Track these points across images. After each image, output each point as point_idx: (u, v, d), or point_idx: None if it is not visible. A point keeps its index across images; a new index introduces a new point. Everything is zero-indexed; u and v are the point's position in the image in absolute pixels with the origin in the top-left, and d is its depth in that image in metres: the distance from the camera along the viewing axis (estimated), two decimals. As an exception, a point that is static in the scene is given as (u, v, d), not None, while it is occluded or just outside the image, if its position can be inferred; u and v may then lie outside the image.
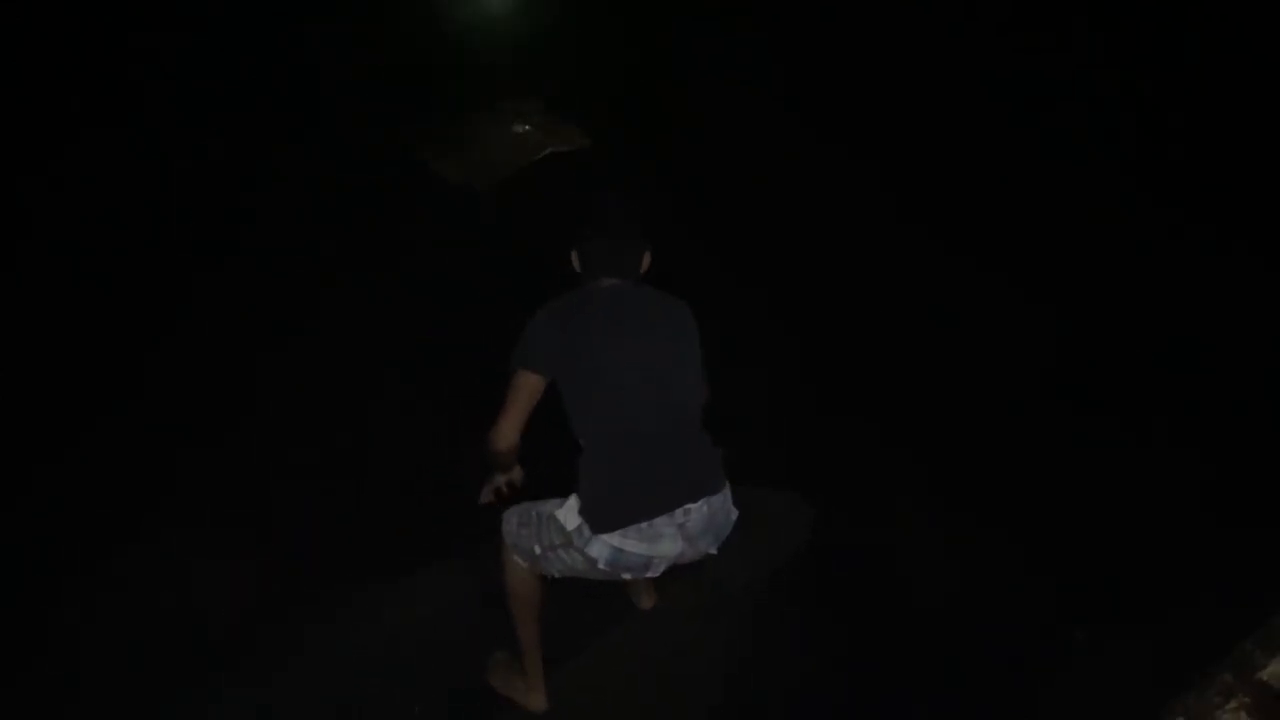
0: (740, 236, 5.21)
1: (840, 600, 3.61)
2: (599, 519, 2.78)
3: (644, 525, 2.78)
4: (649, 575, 2.92)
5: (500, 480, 3.04)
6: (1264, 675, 1.93)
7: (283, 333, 4.66)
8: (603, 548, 2.79)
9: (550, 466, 2.93)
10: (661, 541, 2.81)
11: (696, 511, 2.83)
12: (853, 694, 3.31)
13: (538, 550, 2.94)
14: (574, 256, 3.04)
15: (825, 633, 3.49)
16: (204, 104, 5.54)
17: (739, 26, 6.33)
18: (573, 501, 2.84)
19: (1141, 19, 6.01)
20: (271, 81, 5.67)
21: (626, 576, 2.92)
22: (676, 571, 2.99)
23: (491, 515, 3.08)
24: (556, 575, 2.99)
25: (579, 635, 3.38)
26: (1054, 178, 5.57)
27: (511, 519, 3.00)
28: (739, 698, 3.36)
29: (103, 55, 5.56)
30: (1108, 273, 5.05)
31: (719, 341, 4.07)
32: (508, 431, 2.83)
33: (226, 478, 4.06)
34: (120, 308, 4.72)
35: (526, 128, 5.69)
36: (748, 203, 5.45)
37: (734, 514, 2.95)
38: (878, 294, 5.00)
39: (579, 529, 2.81)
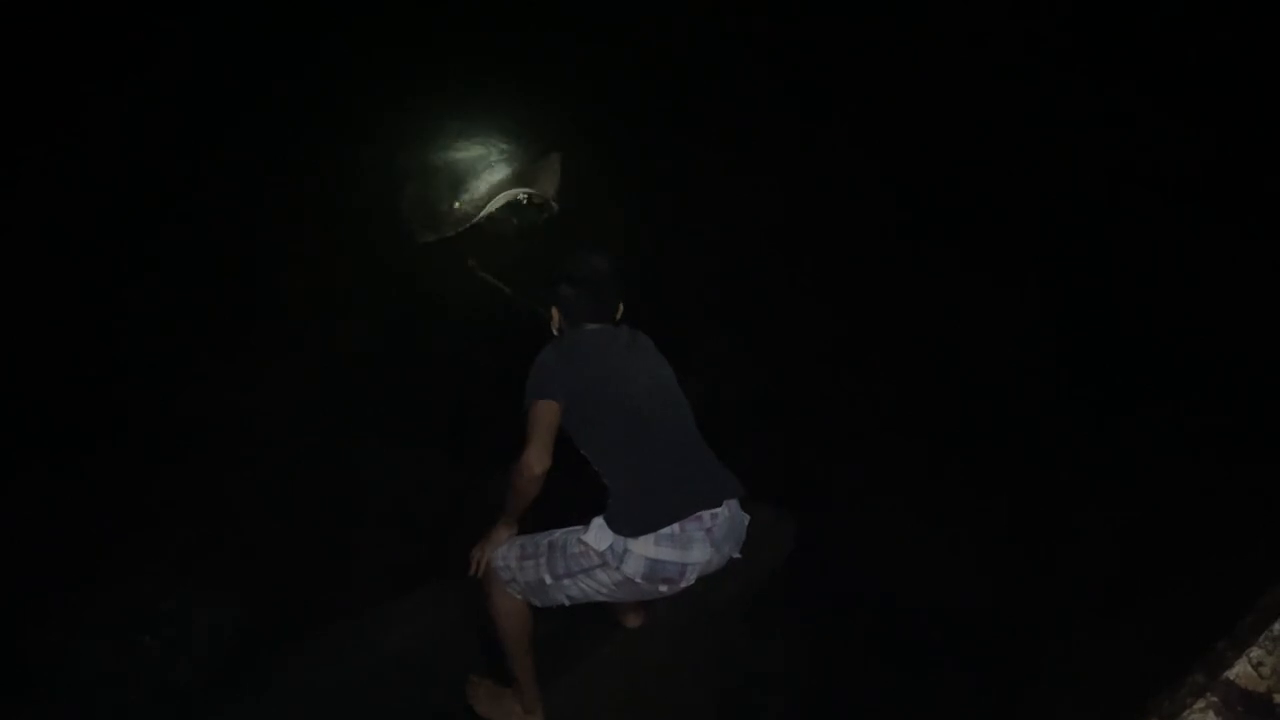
0: (724, 244, 5.22)
1: (827, 612, 3.61)
2: (634, 525, 2.89)
3: (676, 531, 2.87)
4: (682, 586, 2.98)
5: (504, 533, 3.12)
6: (1231, 674, 1.89)
7: (274, 356, 4.70)
8: (638, 562, 2.88)
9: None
10: (693, 547, 2.90)
11: (721, 516, 2.96)
12: (843, 704, 3.29)
13: (548, 580, 2.98)
14: (555, 311, 3.20)
15: (813, 644, 3.49)
16: (203, 113, 5.57)
17: (741, 26, 6.32)
18: (599, 522, 2.94)
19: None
20: (272, 94, 5.70)
21: (664, 589, 2.97)
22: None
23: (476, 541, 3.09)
24: (566, 604, 3.03)
25: (568, 656, 3.41)
26: (1059, 181, 5.52)
27: (509, 554, 3.04)
28: (730, 712, 3.34)
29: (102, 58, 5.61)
30: (1109, 278, 5.00)
31: (704, 352, 4.07)
32: (541, 458, 2.93)
33: (212, 503, 4.10)
34: (113, 324, 4.75)
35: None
36: (735, 205, 5.44)
37: (747, 519, 3.10)
38: (867, 303, 4.99)
39: (611, 547, 2.89)
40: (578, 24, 5.93)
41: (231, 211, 5.29)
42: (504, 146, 5.71)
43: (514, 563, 3.05)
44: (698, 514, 2.93)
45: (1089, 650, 3.26)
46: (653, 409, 3.07)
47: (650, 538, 2.88)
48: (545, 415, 2.97)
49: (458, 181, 5.47)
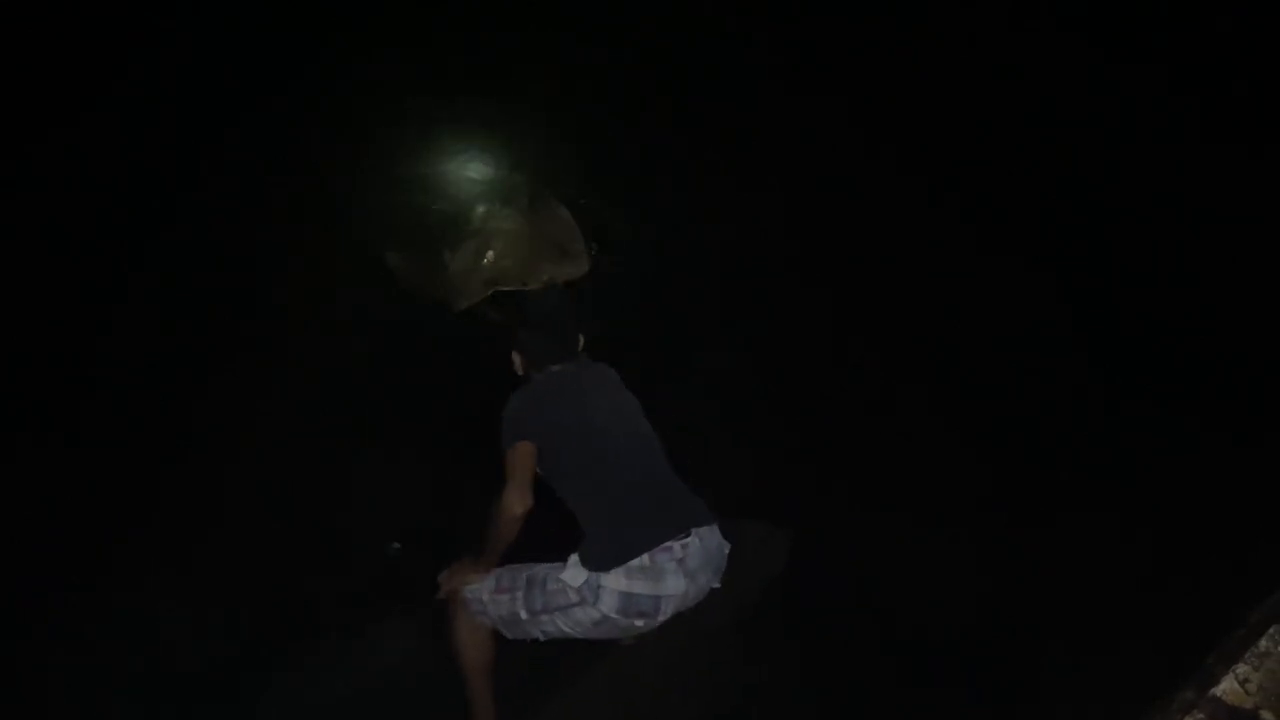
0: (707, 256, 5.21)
1: (819, 630, 3.59)
2: (605, 559, 2.92)
3: (647, 563, 2.91)
4: (659, 620, 3.00)
5: (479, 571, 3.16)
6: (1218, 690, 1.89)
7: (275, 356, 4.70)
8: (612, 596, 2.91)
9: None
10: (666, 579, 2.93)
11: (693, 545, 2.98)
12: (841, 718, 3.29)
13: (524, 615, 3.03)
14: (516, 357, 3.22)
15: (805, 664, 3.47)
16: (203, 113, 5.56)
17: (741, 26, 6.28)
18: (574, 559, 2.98)
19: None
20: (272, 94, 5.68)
21: (640, 624, 3.00)
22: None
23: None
24: (541, 639, 3.05)
25: (559, 676, 3.40)
26: (1059, 181, 5.49)
27: (483, 587, 3.08)
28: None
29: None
30: (1109, 279, 4.98)
31: (703, 353, 4.04)
32: (522, 497, 3.00)
33: (212, 505, 4.10)
34: (113, 324, 4.74)
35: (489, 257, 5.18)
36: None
37: (726, 547, 3.11)
38: (867, 302, 4.97)
39: (587, 583, 2.93)
40: (578, 24, 5.92)
41: (231, 211, 5.28)
42: (506, 154, 5.69)
43: (487, 596, 3.10)
44: (667, 544, 2.96)
45: (1088, 660, 3.25)
46: (619, 445, 3.13)
47: (621, 571, 2.90)
48: (523, 456, 3.04)
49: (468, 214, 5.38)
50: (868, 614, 3.65)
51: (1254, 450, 3.89)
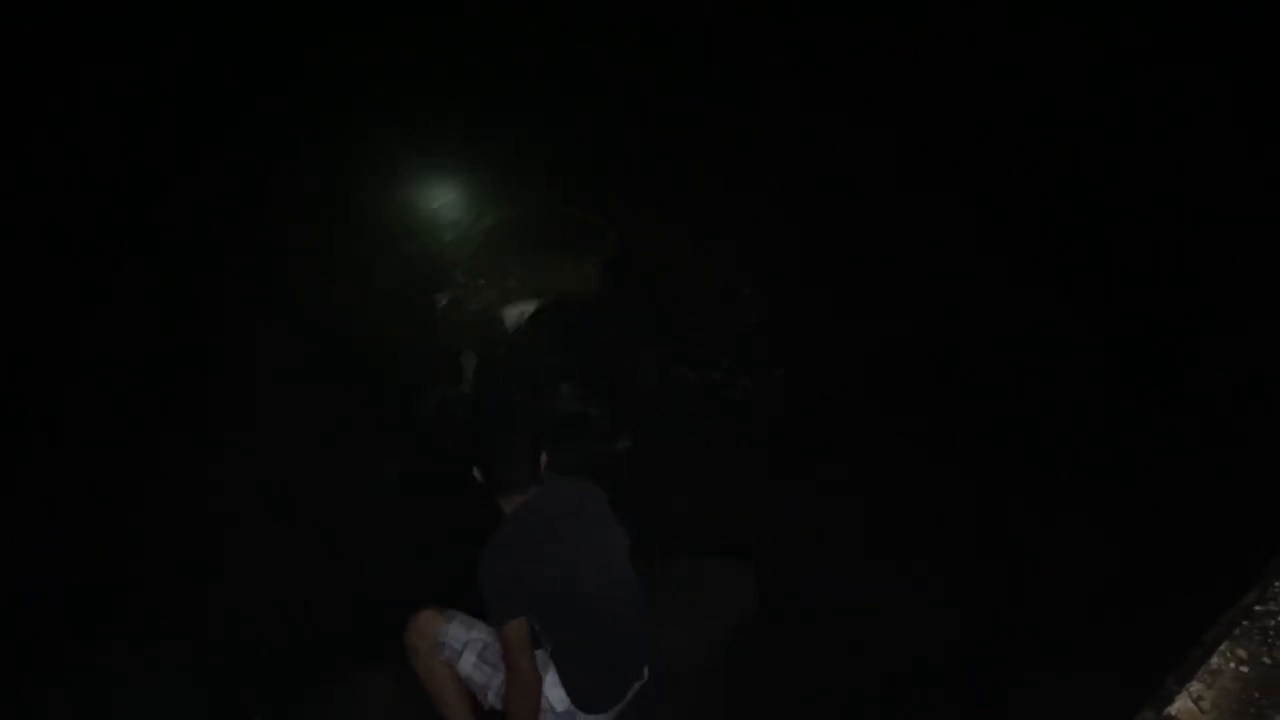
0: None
1: (793, 669, 3.54)
2: (591, 704, 3.04)
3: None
4: None
5: None
6: (1173, 710, 1.89)
7: (275, 355, 4.73)
8: None
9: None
10: (621, 709, 3.14)
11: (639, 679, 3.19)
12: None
13: (490, 696, 3.12)
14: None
15: (780, 705, 3.43)
16: (203, 113, 5.59)
17: (740, 26, 6.27)
18: (556, 686, 3.05)
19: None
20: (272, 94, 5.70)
21: None
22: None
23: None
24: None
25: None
26: (1059, 181, 5.47)
27: (469, 655, 3.14)
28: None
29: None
30: (1108, 279, 4.96)
31: (702, 352, 4.01)
32: (535, 668, 2.95)
33: (212, 507, 4.12)
34: (114, 324, 4.77)
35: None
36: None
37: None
38: (866, 302, 4.96)
39: (569, 711, 3.05)
40: (578, 24, 5.93)
41: (231, 211, 5.31)
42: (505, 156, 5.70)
43: (470, 663, 3.13)
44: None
45: (1069, 678, 3.23)
46: (603, 599, 3.01)
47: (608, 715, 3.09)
48: (519, 633, 2.91)
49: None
50: (841, 654, 3.59)
51: (1245, 451, 3.87)
